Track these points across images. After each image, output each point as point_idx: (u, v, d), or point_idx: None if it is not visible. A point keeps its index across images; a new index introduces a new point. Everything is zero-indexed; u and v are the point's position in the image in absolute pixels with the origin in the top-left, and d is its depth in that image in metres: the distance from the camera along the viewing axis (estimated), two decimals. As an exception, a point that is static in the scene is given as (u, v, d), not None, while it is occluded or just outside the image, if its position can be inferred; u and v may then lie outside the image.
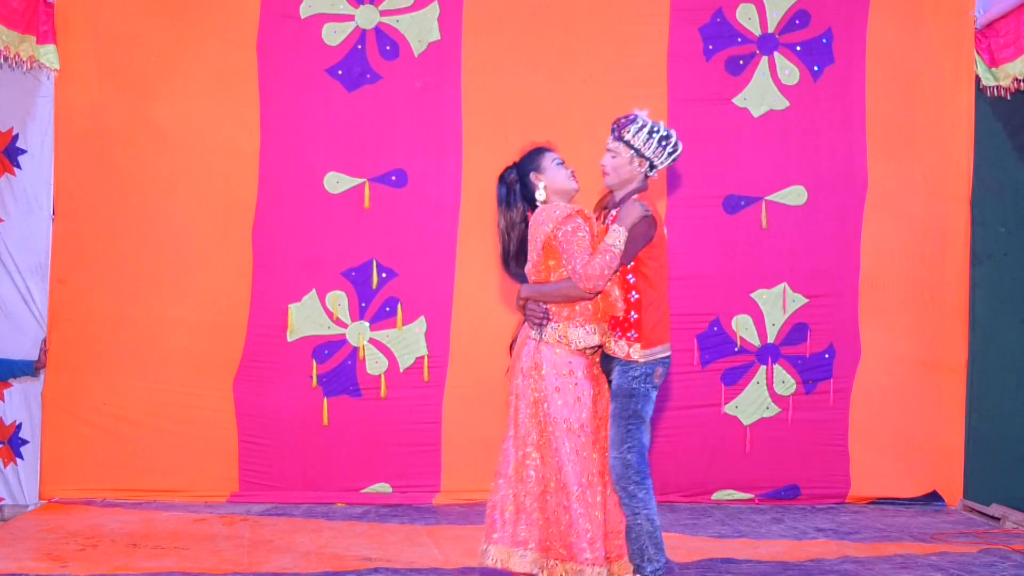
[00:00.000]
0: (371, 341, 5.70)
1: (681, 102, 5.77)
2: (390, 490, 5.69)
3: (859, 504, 5.79)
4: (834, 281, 5.83)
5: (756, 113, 5.82)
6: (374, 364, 5.69)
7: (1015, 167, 5.68)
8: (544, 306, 3.82)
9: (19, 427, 5.52)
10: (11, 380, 5.46)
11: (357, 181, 5.71)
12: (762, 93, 5.81)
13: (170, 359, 5.63)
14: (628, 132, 3.90)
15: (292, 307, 5.67)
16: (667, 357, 3.89)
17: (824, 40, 5.83)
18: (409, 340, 5.70)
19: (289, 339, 5.67)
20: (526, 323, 3.88)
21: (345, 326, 5.70)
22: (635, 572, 3.82)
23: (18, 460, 5.51)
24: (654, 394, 3.86)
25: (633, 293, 3.83)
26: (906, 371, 5.83)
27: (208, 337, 5.64)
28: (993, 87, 5.75)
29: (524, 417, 3.79)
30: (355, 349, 5.69)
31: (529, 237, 3.88)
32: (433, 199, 5.76)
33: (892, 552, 4.72)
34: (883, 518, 5.46)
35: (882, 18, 5.82)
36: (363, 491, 5.67)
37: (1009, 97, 5.67)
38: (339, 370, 5.69)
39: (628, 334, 3.82)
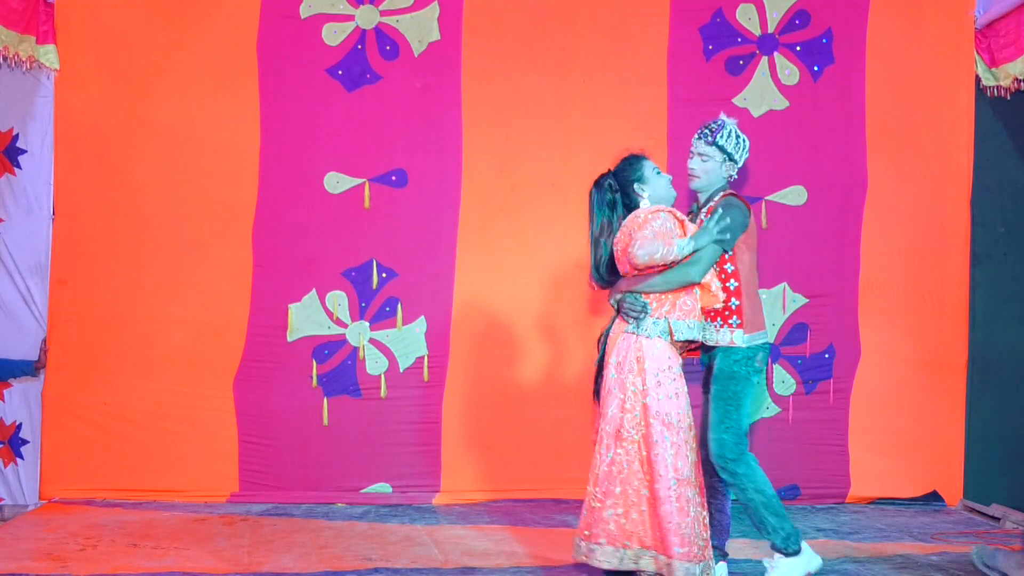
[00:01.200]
0: (371, 341, 5.70)
1: (681, 102, 5.78)
2: (390, 490, 5.69)
3: (859, 504, 5.79)
4: (834, 281, 5.83)
5: (756, 113, 5.82)
6: (374, 364, 5.69)
7: (1015, 167, 5.68)
8: (643, 300, 3.87)
9: (19, 427, 5.52)
10: (11, 380, 5.46)
11: (357, 181, 5.71)
12: (762, 93, 5.81)
13: (170, 359, 5.63)
14: (722, 137, 4.12)
15: (292, 307, 5.67)
16: (767, 343, 4.09)
17: (824, 40, 5.83)
18: (409, 340, 5.71)
19: (289, 339, 5.67)
20: (620, 317, 3.94)
21: (345, 326, 5.70)
22: (771, 547, 4.07)
23: (18, 460, 5.51)
24: (756, 378, 4.05)
25: (732, 281, 4.02)
26: (906, 371, 5.83)
27: (208, 337, 5.63)
28: (993, 87, 5.75)
29: (615, 410, 3.85)
30: (355, 349, 5.69)
31: (620, 240, 3.94)
32: (433, 199, 5.76)
33: (892, 552, 4.72)
34: (883, 518, 5.46)
35: (882, 18, 5.82)
36: (363, 491, 5.67)
37: (1009, 97, 5.67)
38: (339, 370, 5.69)
39: (730, 321, 4.01)
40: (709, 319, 4.03)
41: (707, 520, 3.88)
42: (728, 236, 3.93)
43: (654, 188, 3.99)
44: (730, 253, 4.01)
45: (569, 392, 5.75)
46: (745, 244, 4.05)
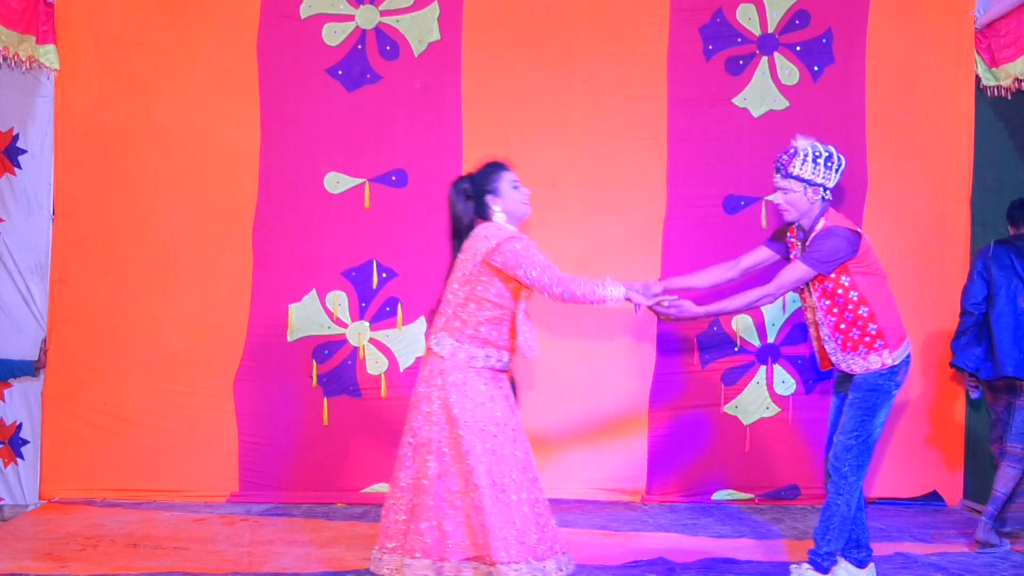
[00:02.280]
0: (371, 341, 5.70)
1: (681, 102, 5.78)
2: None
3: (859, 504, 5.78)
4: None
5: (756, 113, 5.82)
6: (374, 364, 5.69)
7: (1015, 167, 5.68)
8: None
9: (19, 427, 5.52)
10: (11, 380, 5.46)
11: (357, 181, 5.71)
12: (762, 93, 5.81)
13: (170, 359, 5.63)
14: (795, 167, 4.01)
15: (292, 307, 5.67)
16: (909, 355, 4.07)
17: (824, 40, 5.83)
18: (409, 340, 5.70)
19: (289, 339, 5.67)
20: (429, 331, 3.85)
21: (345, 326, 5.70)
22: (809, 552, 4.10)
23: (18, 460, 5.51)
24: (895, 392, 4.05)
25: (862, 308, 3.99)
26: (906, 371, 5.83)
27: (208, 337, 5.63)
28: (993, 87, 5.76)
29: (421, 422, 3.73)
30: (355, 349, 5.69)
31: (463, 251, 3.78)
32: (433, 199, 5.73)
33: (892, 552, 4.72)
34: (883, 518, 5.45)
35: (882, 18, 5.82)
36: (363, 491, 5.67)
37: (1009, 97, 5.68)
38: (339, 370, 5.69)
39: (875, 346, 4.00)
40: (851, 350, 4.02)
41: (545, 518, 3.73)
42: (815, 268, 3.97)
43: (507, 203, 3.84)
44: (846, 281, 3.97)
45: (569, 392, 5.76)
46: (859, 268, 3.98)
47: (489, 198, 3.83)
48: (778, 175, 4.06)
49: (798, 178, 4.00)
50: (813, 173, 4.00)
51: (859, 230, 4.07)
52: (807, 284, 4.10)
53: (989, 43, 5.75)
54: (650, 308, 4.07)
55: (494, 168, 3.88)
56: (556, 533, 3.77)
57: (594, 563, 4.48)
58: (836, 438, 4.08)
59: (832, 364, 4.20)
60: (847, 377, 4.15)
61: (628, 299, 3.88)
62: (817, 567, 4.10)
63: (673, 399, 5.77)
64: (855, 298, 3.99)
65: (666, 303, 4.04)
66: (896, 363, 4.02)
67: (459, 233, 3.86)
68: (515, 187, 3.87)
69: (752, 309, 4.18)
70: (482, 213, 3.86)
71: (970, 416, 5.83)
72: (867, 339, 4.00)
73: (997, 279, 4.95)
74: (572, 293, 3.73)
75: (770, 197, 5.70)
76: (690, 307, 4.05)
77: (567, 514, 5.40)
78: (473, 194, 3.85)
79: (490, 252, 3.71)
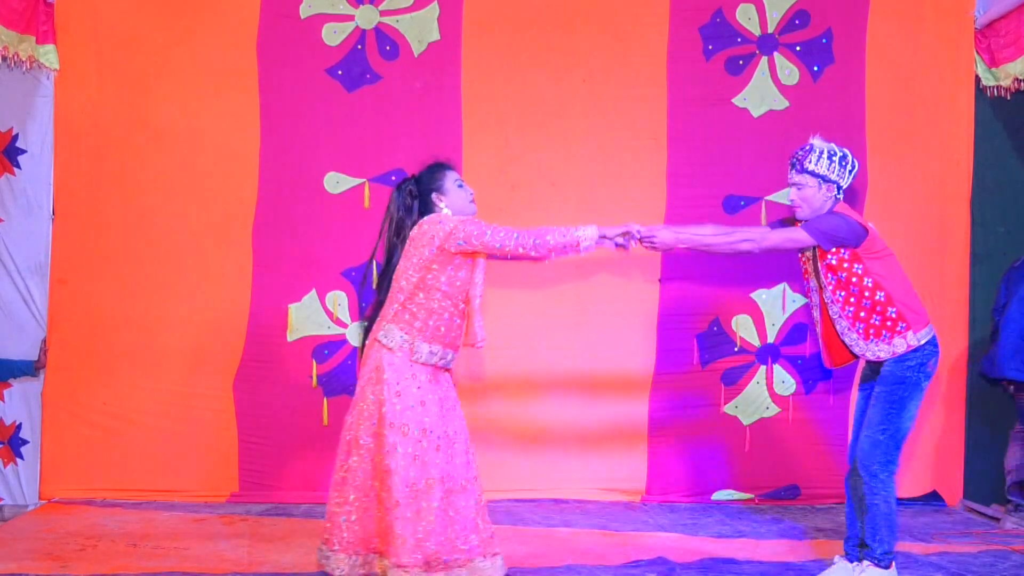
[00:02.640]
0: (371, 341, 5.70)
1: (681, 102, 5.78)
2: (390, 490, 5.67)
3: (859, 504, 5.78)
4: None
5: (756, 113, 5.82)
6: (374, 364, 5.69)
7: (1015, 167, 5.68)
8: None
9: (19, 427, 5.52)
10: (11, 380, 5.46)
11: (357, 181, 5.71)
12: (762, 93, 5.81)
13: (170, 359, 5.63)
14: (811, 163, 4.04)
15: (292, 307, 5.67)
16: (935, 342, 4.06)
17: (824, 40, 5.83)
18: (409, 340, 5.70)
19: (289, 339, 5.67)
20: (376, 324, 3.88)
21: (345, 326, 5.70)
22: (865, 554, 4.11)
23: (18, 460, 5.51)
24: (926, 384, 4.04)
25: (879, 293, 4.00)
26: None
27: (208, 337, 5.63)
28: (993, 87, 5.76)
29: (354, 418, 3.86)
30: (355, 349, 5.69)
31: (413, 240, 3.86)
32: (433, 199, 5.75)
33: (892, 552, 4.72)
34: (883, 518, 5.44)
35: (882, 18, 5.82)
36: (363, 491, 5.67)
37: (1009, 97, 5.68)
38: (339, 370, 5.68)
39: (897, 329, 4.00)
40: (874, 337, 4.02)
41: (460, 528, 3.81)
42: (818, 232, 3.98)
43: (453, 200, 3.95)
44: (859, 269, 3.98)
45: (569, 391, 5.76)
46: (870, 255, 4.01)
47: (435, 196, 3.95)
48: (793, 171, 4.10)
49: (813, 173, 4.05)
50: (828, 170, 4.04)
51: (868, 225, 4.07)
52: (817, 279, 4.11)
53: (989, 43, 5.75)
54: (623, 241, 4.04)
55: (438, 168, 4.01)
56: (490, 535, 3.90)
57: (594, 563, 4.47)
58: (863, 433, 4.07)
59: (843, 361, 4.20)
60: (874, 370, 4.14)
61: (603, 236, 3.92)
62: (878, 564, 4.11)
63: (673, 399, 5.76)
64: (870, 284, 4.00)
65: (638, 231, 4.03)
66: (922, 343, 4.01)
67: (401, 231, 3.95)
68: (460, 185, 3.99)
69: (731, 252, 4.10)
70: (428, 211, 3.95)
71: (970, 416, 5.83)
72: (888, 323, 4.00)
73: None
74: (545, 243, 3.79)
75: (776, 194, 5.77)
76: (665, 235, 4.08)
77: (567, 514, 5.41)
78: (419, 193, 3.96)
79: (447, 236, 3.78)
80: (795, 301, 5.80)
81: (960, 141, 5.84)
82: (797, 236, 4.06)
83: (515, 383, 5.75)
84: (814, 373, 5.80)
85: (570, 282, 5.70)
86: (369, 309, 4.03)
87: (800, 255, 4.22)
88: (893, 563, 4.16)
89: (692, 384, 5.78)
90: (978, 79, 5.80)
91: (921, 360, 4.02)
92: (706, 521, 5.35)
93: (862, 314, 4.04)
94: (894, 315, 4.00)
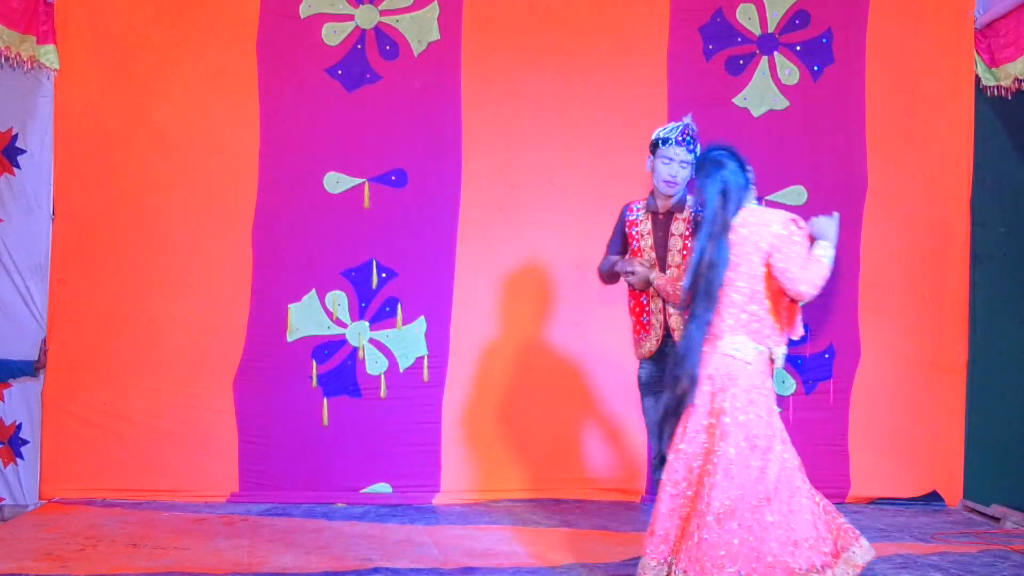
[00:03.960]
0: (371, 341, 5.70)
1: (681, 102, 5.75)
2: (390, 490, 5.68)
3: (859, 504, 5.78)
4: (834, 281, 5.78)
5: (756, 113, 5.82)
6: (374, 364, 5.69)
7: (1015, 167, 5.68)
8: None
9: (19, 427, 5.52)
10: (11, 380, 5.46)
11: (357, 181, 5.71)
12: (762, 93, 5.81)
13: (170, 359, 5.62)
14: (696, 144, 4.09)
15: (292, 307, 5.67)
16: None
17: (824, 40, 5.83)
18: (409, 340, 5.70)
19: (289, 339, 5.67)
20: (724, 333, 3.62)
21: (345, 326, 5.70)
22: None
23: (18, 460, 5.51)
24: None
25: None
26: (906, 371, 5.83)
27: (208, 337, 5.63)
28: (993, 87, 5.75)
29: (751, 417, 3.66)
30: (355, 349, 5.69)
31: (741, 241, 3.58)
32: (433, 199, 5.75)
33: (892, 552, 4.71)
34: (883, 518, 5.45)
35: (882, 18, 5.82)
36: (363, 491, 5.67)
37: (1009, 97, 5.67)
38: (339, 370, 5.68)
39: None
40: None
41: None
42: None
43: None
44: None
45: (569, 391, 5.76)
46: None
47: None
48: (684, 148, 4.17)
49: (696, 154, 4.12)
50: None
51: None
52: None
53: (989, 43, 5.74)
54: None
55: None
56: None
57: (594, 563, 4.47)
58: None
59: None
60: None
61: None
62: None
63: (673, 399, 5.75)
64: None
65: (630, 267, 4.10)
66: None
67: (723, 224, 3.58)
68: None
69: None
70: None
71: (970, 416, 5.82)
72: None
73: None
74: None
75: (776, 193, 5.77)
76: (644, 271, 4.16)
77: (567, 514, 5.41)
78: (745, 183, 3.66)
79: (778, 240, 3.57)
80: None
81: (960, 141, 5.84)
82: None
83: (515, 383, 5.75)
84: (814, 373, 5.80)
85: (571, 282, 5.70)
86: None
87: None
88: None
89: (692, 384, 5.77)
90: (978, 79, 5.80)
91: None
92: (706, 521, 5.34)
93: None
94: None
